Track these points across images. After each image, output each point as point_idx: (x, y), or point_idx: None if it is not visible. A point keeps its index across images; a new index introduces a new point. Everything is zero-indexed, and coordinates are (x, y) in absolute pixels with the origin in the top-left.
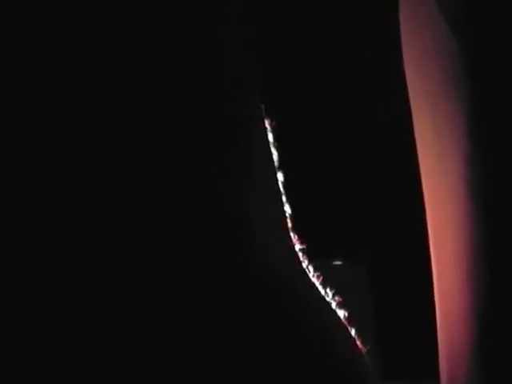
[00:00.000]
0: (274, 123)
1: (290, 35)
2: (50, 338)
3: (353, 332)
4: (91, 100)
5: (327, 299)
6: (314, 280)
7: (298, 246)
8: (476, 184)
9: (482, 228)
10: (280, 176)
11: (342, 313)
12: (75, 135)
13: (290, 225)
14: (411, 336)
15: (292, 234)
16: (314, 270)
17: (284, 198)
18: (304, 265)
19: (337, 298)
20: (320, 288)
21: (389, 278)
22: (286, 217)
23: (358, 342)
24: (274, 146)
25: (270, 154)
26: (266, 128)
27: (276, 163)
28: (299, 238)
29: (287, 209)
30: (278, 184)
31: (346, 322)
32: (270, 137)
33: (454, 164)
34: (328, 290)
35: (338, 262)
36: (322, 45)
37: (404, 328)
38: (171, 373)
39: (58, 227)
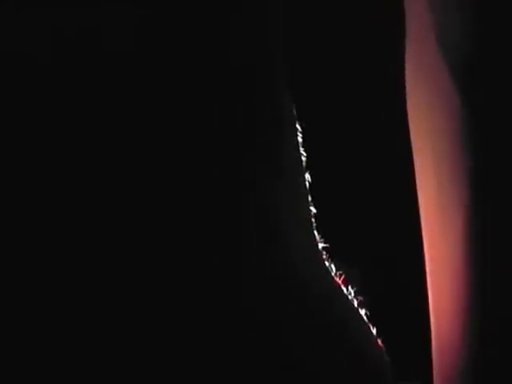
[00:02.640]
0: (303, 125)
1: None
2: (50, 338)
3: (374, 331)
4: (94, 101)
5: (350, 298)
6: (337, 279)
7: (320, 245)
8: (476, 244)
9: (478, 280)
10: (307, 176)
11: (363, 312)
12: (81, 138)
13: (314, 224)
14: (409, 337)
15: (316, 233)
16: (336, 269)
17: (310, 198)
18: (327, 263)
19: (359, 297)
20: (342, 287)
21: (384, 281)
22: (311, 216)
23: (379, 341)
24: (303, 147)
25: (300, 154)
26: (296, 129)
27: (304, 164)
28: (322, 237)
29: (312, 208)
30: (305, 184)
31: (368, 321)
32: (300, 138)
33: (456, 218)
34: (350, 288)
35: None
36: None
37: (401, 330)
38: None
39: (71, 225)
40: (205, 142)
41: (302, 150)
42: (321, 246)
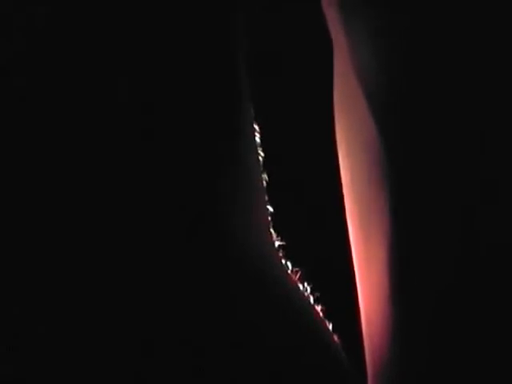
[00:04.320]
0: (262, 125)
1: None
2: (49, 338)
3: (330, 327)
4: (93, 101)
5: (306, 294)
6: (293, 275)
7: (277, 243)
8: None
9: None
10: (265, 176)
11: (319, 308)
12: (73, 137)
13: (271, 222)
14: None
15: (272, 231)
16: (293, 266)
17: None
18: (283, 261)
19: (315, 294)
20: (299, 283)
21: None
22: (267, 215)
23: (335, 337)
24: (261, 148)
25: (257, 155)
26: (254, 129)
27: (262, 164)
28: (279, 235)
29: (269, 207)
30: (262, 184)
31: (323, 317)
32: (258, 138)
33: (379, 247)
34: (306, 285)
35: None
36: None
37: (355, 325)
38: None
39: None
40: (165, 141)
41: (259, 149)
42: (277, 244)
